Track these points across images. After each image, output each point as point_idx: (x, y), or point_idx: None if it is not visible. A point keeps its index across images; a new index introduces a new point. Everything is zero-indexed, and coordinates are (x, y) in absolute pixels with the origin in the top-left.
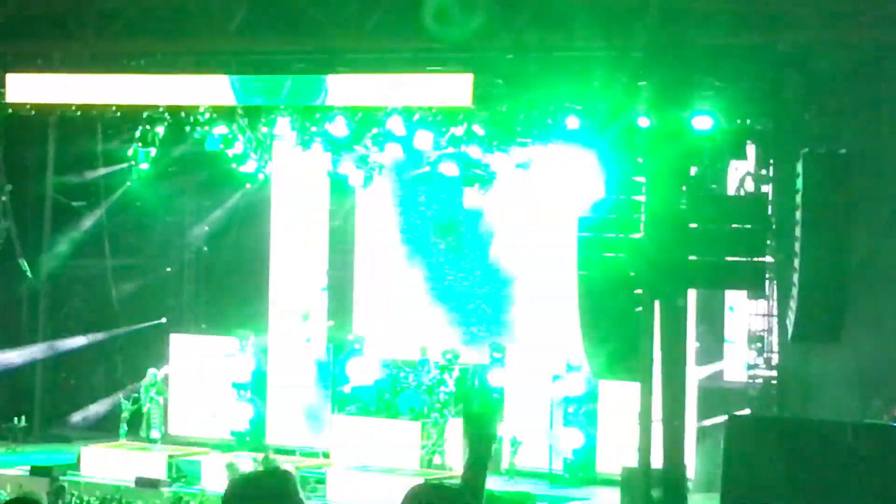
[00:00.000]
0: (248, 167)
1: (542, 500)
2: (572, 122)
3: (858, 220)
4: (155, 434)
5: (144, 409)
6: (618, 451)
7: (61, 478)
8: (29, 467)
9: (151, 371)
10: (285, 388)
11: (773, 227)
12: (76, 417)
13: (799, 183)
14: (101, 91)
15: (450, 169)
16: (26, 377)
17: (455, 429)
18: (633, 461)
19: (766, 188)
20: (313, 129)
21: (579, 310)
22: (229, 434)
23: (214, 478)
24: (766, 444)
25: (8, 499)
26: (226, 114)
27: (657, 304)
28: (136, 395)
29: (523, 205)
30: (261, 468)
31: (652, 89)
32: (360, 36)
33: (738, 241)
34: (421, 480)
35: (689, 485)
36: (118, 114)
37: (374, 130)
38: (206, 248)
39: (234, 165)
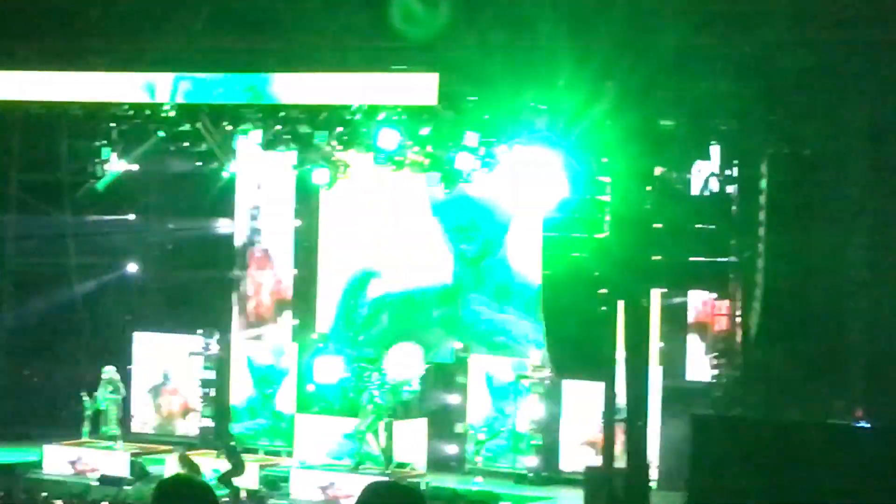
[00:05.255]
0: (213, 165)
1: (506, 500)
2: (537, 122)
3: (822, 220)
4: (113, 430)
5: (102, 407)
6: (581, 451)
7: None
8: None
9: (107, 368)
10: (250, 387)
11: (738, 227)
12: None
13: (763, 183)
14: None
15: (415, 167)
16: None
17: (409, 429)
18: (596, 460)
19: (731, 189)
20: (278, 127)
21: (543, 309)
22: (198, 431)
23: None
24: (731, 445)
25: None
26: (190, 112)
27: (621, 303)
28: (97, 393)
29: (488, 203)
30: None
31: (616, 89)
32: (324, 35)
33: (702, 242)
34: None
35: (652, 484)
36: (82, 112)
37: (339, 129)
38: (170, 247)
39: (198, 163)
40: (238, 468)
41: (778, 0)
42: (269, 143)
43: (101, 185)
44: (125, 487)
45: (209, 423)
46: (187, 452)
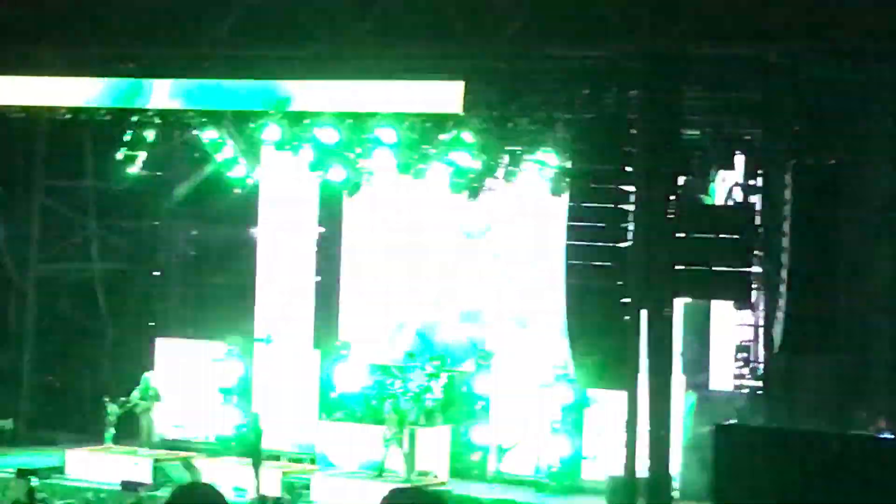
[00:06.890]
0: (237, 172)
1: None
2: (562, 130)
3: (846, 230)
4: (152, 435)
5: (141, 414)
6: (604, 460)
7: (44, 480)
8: (15, 470)
9: (147, 375)
10: (272, 393)
11: (761, 237)
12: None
13: (787, 193)
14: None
15: (438, 176)
16: (13, 380)
17: (432, 436)
18: (618, 470)
19: (755, 198)
20: (302, 134)
21: (566, 318)
22: (215, 439)
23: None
24: (753, 455)
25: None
26: (215, 118)
27: (644, 313)
28: (124, 399)
29: (512, 211)
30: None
31: (642, 98)
32: (350, 42)
33: (725, 251)
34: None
35: (675, 493)
36: (108, 117)
37: (363, 136)
38: (193, 253)
39: (222, 170)
40: (255, 459)
41: (803, 10)
42: (293, 149)
43: (125, 191)
44: (146, 493)
45: (231, 430)
46: (202, 458)
